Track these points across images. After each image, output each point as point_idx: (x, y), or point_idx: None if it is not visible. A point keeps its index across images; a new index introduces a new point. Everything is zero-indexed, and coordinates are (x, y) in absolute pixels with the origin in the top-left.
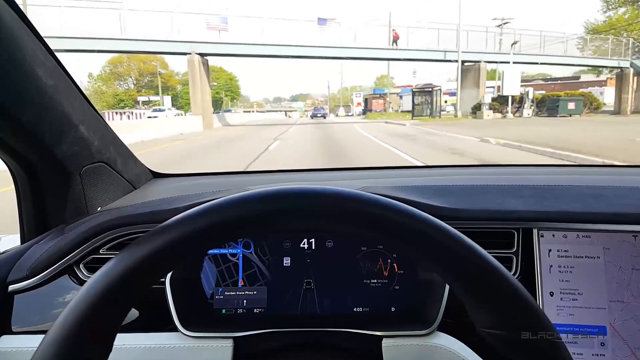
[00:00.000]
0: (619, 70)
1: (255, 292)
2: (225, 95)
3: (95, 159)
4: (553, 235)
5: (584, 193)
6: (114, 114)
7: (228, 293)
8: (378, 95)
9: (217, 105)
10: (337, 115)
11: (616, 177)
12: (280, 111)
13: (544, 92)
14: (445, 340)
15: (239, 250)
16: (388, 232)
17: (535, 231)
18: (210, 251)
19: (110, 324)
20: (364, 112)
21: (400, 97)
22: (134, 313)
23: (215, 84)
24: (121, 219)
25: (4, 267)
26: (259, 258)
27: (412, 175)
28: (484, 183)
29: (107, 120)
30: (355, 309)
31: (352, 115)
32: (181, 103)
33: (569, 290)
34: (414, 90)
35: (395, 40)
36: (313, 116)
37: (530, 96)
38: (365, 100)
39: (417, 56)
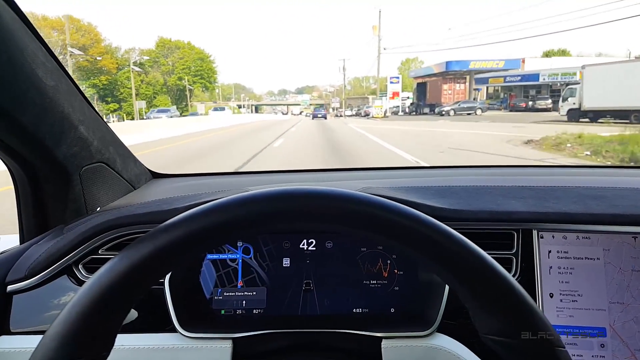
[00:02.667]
0: None
1: (254, 293)
2: (192, 82)
3: (94, 159)
4: (553, 237)
5: (584, 194)
6: None
7: (227, 294)
8: (452, 76)
9: (181, 97)
10: (367, 116)
11: (616, 178)
12: (280, 104)
13: None
14: (444, 342)
15: (238, 256)
16: (388, 234)
17: (535, 232)
18: (210, 256)
19: (113, 321)
20: (416, 108)
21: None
22: (133, 314)
23: (151, 57)
24: (120, 219)
25: (3, 268)
26: (258, 264)
27: (412, 175)
28: (484, 184)
29: None
30: (354, 310)
31: (387, 116)
32: (122, 95)
33: (568, 292)
34: None
35: None
36: (313, 117)
37: None
38: (421, 87)
39: None
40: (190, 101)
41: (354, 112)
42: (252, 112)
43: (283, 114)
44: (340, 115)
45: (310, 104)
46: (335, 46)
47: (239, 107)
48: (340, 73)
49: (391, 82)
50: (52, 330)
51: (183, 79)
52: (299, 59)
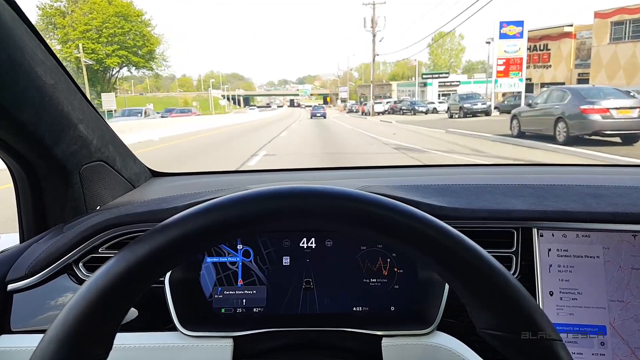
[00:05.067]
0: None
1: (254, 292)
2: (104, 56)
3: (94, 157)
4: (553, 235)
5: (583, 192)
6: None
7: (227, 292)
8: None
9: (99, 80)
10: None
11: (616, 177)
12: (276, 95)
13: None
14: (445, 340)
15: (238, 259)
16: (387, 232)
17: (534, 230)
18: (209, 259)
19: (111, 322)
20: None
21: None
22: (133, 312)
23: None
24: (120, 218)
25: (3, 266)
26: (258, 267)
27: (412, 174)
28: (483, 182)
29: None
30: (354, 309)
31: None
32: None
33: (568, 290)
34: None
35: None
36: (312, 116)
37: None
38: None
39: None
40: (107, 88)
41: (386, 108)
42: (236, 103)
43: (249, 109)
44: (363, 113)
45: (312, 94)
46: (339, 33)
47: (224, 97)
48: (365, 31)
49: (502, 36)
50: (50, 333)
51: (71, 46)
52: (301, 48)
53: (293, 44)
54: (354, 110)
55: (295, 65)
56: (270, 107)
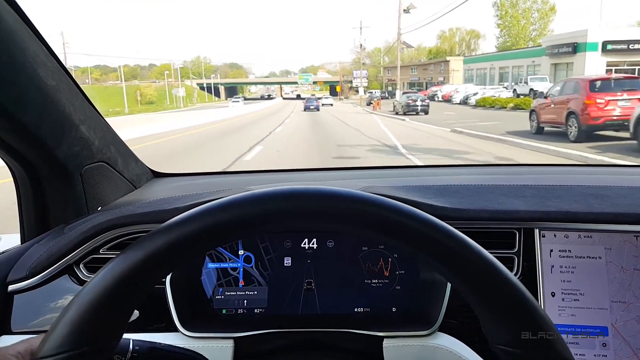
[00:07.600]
0: None
1: (255, 292)
2: None
3: (96, 158)
4: (555, 235)
5: (585, 193)
6: None
7: (228, 293)
8: None
9: None
10: None
11: (618, 177)
12: (272, 84)
13: None
14: (446, 341)
15: (239, 265)
16: (387, 233)
17: (536, 231)
18: (211, 264)
19: (122, 313)
20: None
21: None
22: (134, 313)
23: None
24: (122, 219)
25: (4, 267)
26: (259, 273)
27: (413, 175)
28: (485, 183)
29: None
30: (356, 309)
31: None
32: None
33: (570, 291)
34: None
35: None
36: (306, 108)
37: None
38: None
39: None
40: None
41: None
42: (212, 93)
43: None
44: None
45: (315, 82)
46: (344, 19)
47: (200, 86)
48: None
49: None
50: (65, 316)
51: None
52: (304, 38)
53: (296, 34)
54: (416, 108)
55: (298, 56)
56: (239, 103)
